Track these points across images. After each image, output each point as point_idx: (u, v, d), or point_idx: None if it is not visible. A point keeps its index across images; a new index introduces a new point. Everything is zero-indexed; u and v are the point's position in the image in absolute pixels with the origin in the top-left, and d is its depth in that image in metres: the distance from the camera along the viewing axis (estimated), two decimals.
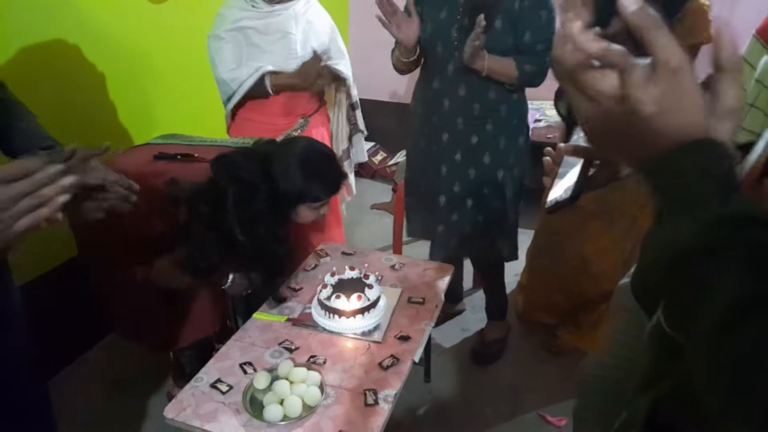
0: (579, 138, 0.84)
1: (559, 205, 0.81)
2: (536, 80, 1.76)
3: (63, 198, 0.72)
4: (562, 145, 0.77)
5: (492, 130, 1.82)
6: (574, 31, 0.44)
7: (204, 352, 1.71)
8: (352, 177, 2.37)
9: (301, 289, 1.72)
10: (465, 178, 1.87)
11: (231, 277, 1.63)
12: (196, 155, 1.66)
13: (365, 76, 2.69)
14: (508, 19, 1.69)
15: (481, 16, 1.57)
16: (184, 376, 1.72)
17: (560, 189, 0.82)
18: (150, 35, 2.24)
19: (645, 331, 0.69)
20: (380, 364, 1.41)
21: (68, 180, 0.73)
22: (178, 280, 1.53)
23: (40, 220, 0.70)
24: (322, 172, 1.58)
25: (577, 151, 0.73)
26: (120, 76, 2.13)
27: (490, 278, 2.22)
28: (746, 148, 0.60)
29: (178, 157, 1.67)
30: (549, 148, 0.75)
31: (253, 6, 1.92)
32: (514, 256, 2.07)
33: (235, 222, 1.45)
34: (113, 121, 2.17)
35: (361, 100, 2.30)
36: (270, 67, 1.93)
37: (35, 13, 1.79)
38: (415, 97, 1.94)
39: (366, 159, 2.50)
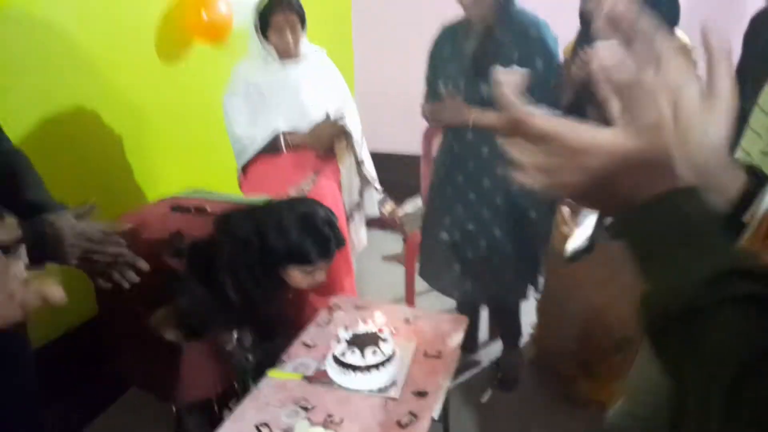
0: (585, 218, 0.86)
1: (577, 254, 0.82)
2: None
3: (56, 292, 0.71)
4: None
5: (502, 173, 1.88)
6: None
7: (210, 417, 1.69)
8: (363, 230, 2.38)
9: (316, 345, 1.70)
10: (479, 220, 1.98)
11: (235, 338, 1.63)
12: (208, 209, 1.70)
13: (372, 127, 2.75)
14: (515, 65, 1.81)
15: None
16: None
17: (579, 238, 0.83)
18: (163, 94, 2.31)
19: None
20: (399, 422, 1.38)
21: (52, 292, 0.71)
22: (173, 334, 1.53)
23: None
24: (316, 233, 1.57)
25: (570, 205, 0.74)
26: (134, 134, 2.19)
27: (505, 322, 2.27)
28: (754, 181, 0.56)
29: (192, 210, 1.72)
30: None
31: (266, 63, 2.00)
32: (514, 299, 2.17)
33: (226, 278, 1.46)
34: (128, 178, 2.22)
35: (373, 153, 2.35)
36: (283, 128, 1.99)
37: (50, 73, 1.85)
38: (440, 144, 2.07)
39: (378, 214, 2.52)
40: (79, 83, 1.96)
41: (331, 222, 1.62)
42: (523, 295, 2.14)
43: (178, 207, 1.76)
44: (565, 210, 0.87)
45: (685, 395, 0.40)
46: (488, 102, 1.84)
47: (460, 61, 1.91)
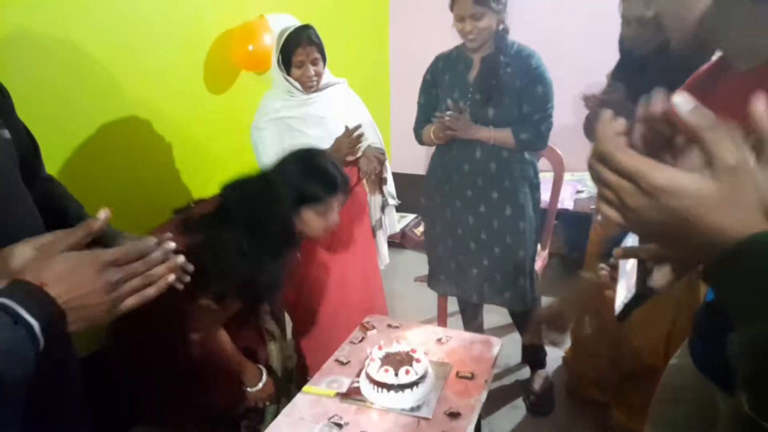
0: (629, 240, 0.82)
1: (628, 307, 0.78)
2: (536, 145, 2.07)
3: (171, 278, 0.74)
4: (616, 251, 0.77)
5: (510, 185, 2.07)
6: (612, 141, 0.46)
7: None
8: (385, 247, 2.43)
9: (349, 362, 1.73)
10: (490, 228, 2.12)
11: (263, 378, 1.67)
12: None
13: (405, 151, 2.81)
14: (512, 95, 1.99)
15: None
16: None
17: (623, 291, 0.80)
18: (210, 124, 2.43)
19: (720, 418, 0.65)
20: None
21: (180, 259, 0.75)
22: (221, 314, 1.55)
23: (145, 299, 0.72)
24: (319, 169, 1.61)
25: (627, 254, 0.73)
26: (182, 163, 2.30)
27: (523, 325, 2.30)
28: None
29: (192, 204, 1.76)
30: (612, 260, 0.74)
31: (291, 96, 2.09)
32: (537, 303, 2.23)
33: (243, 239, 1.49)
34: (175, 204, 2.32)
35: (402, 174, 2.41)
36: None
37: (99, 99, 1.96)
38: (435, 161, 2.20)
39: (397, 230, 2.59)
40: (130, 113, 2.07)
41: (332, 162, 1.68)
42: (521, 302, 2.18)
43: (178, 209, 1.79)
44: (604, 275, 0.85)
45: None
46: (494, 124, 2.03)
47: (463, 88, 2.05)
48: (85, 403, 1.31)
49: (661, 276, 0.74)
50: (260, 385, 1.74)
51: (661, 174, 0.44)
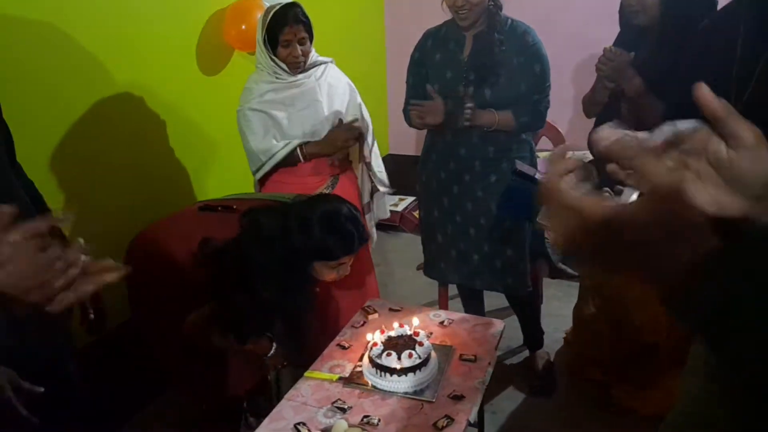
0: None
1: None
2: (536, 126, 2.04)
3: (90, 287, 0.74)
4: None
5: (507, 166, 1.99)
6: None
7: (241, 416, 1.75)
8: (374, 231, 2.39)
9: (351, 346, 1.72)
10: (489, 212, 2.06)
11: (274, 347, 1.66)
12: (234, 207, 1.74)
13: (403, 131, 2.77)
14: (509, 74, 1.92)
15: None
16: None
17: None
18: (203, 104, 2.38)
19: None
20: (435, 424, 1.38)
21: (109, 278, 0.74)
22: (214, 339, 1.57)
23: (84, 293, 0.72)
24: (339, 230, 1.58)
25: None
26: (177, 144, 2.26)
27: (522, 307, 2.29)
28: None
29: (219, 208, 1.79)
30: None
31: (277, 78, 2.02)
32: (529, 286, 2.17)
33: (255, 277, 1.50)
34: (173, 185, 2.29)
35: (400, 155, 2.37)
36: (300, 139, 2.02)
37: (89, 81, 1.93)
38: (429, 147, 2.13)
39: (388, 215, 2.55)
40: (123, 96, 2.04)
41: (354, 218, 1.64)
42: (523, 285, 2.14)
43: (206, 207, 1.82)
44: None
45: None
46: (491, 105, 1.95)
47: (456, 68, 1.97)
48: (82, 394, 1.32)
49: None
50: (272, 351, 1.72)
51: (599, 210, 0.46)
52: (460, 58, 1.97)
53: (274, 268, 1.53)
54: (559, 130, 2.50)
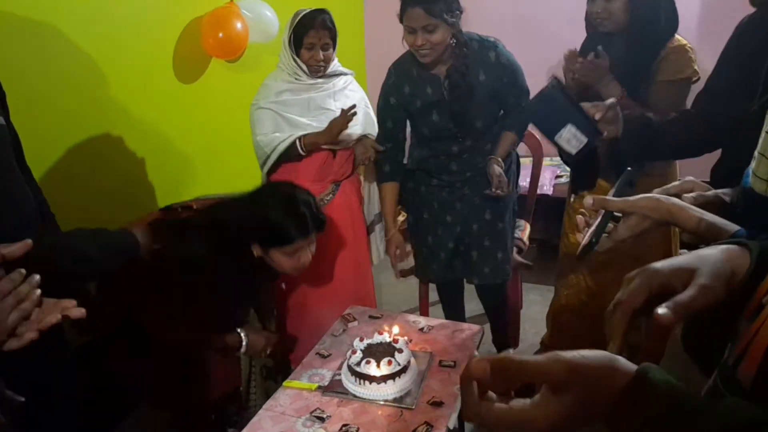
0: (610, 193, 0.88)
1: (583, 251, 0.86)
2: (525, 129, 2.10)
3: (57, 317, 0.77)
4: (589, 198, 0.81)
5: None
6: None
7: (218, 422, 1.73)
8: (382, 245, 2.38)
9: (330, 355, 1.71)
10: (481, 215, 2.10)
11: (244, 341, 1.64)
12: (194, 206, 1.80)
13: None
14: (491, 98, 1.96)
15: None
16: None
17: (587, 237, 0.86)
18: (181, 113, 2.36)
19: None
20: (414, 431, 1.38)
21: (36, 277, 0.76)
22: (180, 336, 1.55)
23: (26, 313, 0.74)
24: (292, 213, 1.58)
25: (598, 204, 0.77)
26: (154, 153, 2.24)
27: (494, 303, 2.34)
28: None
29: (179, 209, 1.83)
30: (584, 210, 0.79)
31: (296, 78, 2.04)
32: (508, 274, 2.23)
33: (210, 266, 1.51)
34: (150, 192, 2.27)
35: None
36: (301, 132, 2.02)
37: (72, 97, 1.91)
38: (418, 163, 2.12)
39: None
40: (101, 105, 2.02)
41: (308, 202, 1.63)
42: (502, 274, 2.19)
43: (167, 207, 1.87)
44: (579, 218, 0.89)
45: None
46: (481, 132, 2.00)
47: (440, 109, 1.96)
48: (77, 392, 1.32)
49: (625, 228, 0.79)
50: (244, 345, 1.68)
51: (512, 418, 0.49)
52: (441, 98, 1.96)
53: (229, 256, 1.54)
54: (537, 136, 2.53)
